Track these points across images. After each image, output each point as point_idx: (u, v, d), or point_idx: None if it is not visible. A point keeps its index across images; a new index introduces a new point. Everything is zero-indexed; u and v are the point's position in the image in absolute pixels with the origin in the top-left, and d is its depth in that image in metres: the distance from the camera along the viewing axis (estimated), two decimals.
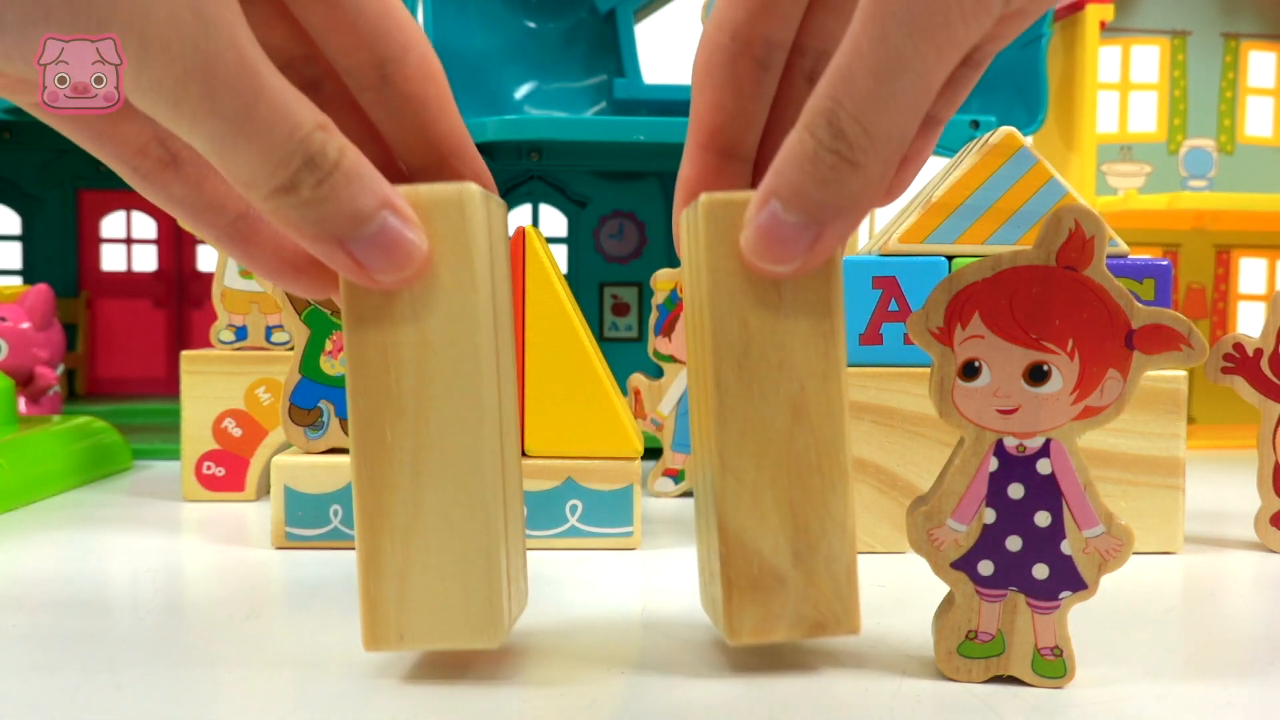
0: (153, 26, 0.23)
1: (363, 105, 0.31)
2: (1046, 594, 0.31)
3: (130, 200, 0.91)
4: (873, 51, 0.25)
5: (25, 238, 0.90)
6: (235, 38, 0.25)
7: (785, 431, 0.30)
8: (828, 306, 0.30)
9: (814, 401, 0.30)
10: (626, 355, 0.85)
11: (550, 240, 0.85)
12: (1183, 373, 0.47)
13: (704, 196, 0.30)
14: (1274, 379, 0.49)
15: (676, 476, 0.62)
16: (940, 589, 0.33)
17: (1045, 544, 0.31)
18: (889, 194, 0.30)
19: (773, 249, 0.28)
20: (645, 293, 0.87)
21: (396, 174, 0.32)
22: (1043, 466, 0.31)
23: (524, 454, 0.48)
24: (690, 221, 0.31)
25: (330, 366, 0.49)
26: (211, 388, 0.59)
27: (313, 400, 0.49)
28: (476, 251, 0.29)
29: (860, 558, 0.47)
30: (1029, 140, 0.72)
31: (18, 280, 0.90)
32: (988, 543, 0.31)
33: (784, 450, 0.31)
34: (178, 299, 0.92)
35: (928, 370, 0.31)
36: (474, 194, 0.30)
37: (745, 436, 0.30)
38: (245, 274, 0.59)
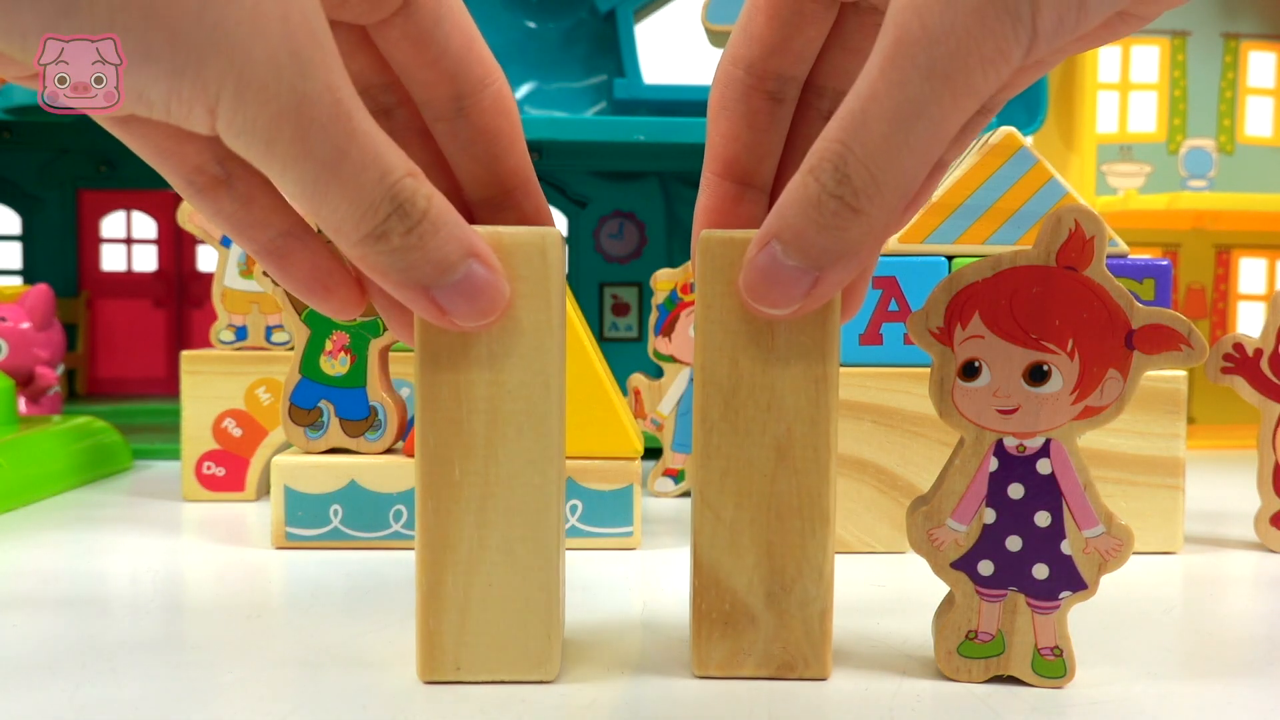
0: (250, 68, 0.23)
1: (434, 134, 0.32)
2: (1046, 594, 0.31)
3: (130, 200, 0.91)
4: (889, 95, 0.24)
5: (25, 238, 0.90)
6: (331, 80, 0.25)
7: (768, 473, 0.31)
8: (822, 352, 0.30)
9: (800, 445, 0.31)
10: (626, 355, 0.85)
11: None
12: (1183, 373, 0.47)
13: (704, 233, 0.30)
14: (1274, 379, 0.49)
15: (676, 476, 0.62)
16: (940, 589, 0.33)
17: (1045, 544, 0.31)
18: (888, 232, 0.30)
19: (770, 291, 0.28)
20: (645, 293, 0.87)
21: (460, 204, 0.33)
22: (1043, 466, 0.31)
23: None
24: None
25: (330, 366, 0.49)
26: (211, 388, 0.59)
27: (313, 400, 0.49)
28: (555, 296, 0.30)
29: (860, 558, 0.47)
30: (1029, 140, 0.72)
31: (18, 280, 0.90)
32: (988, 543, 0.31)
33: (766, 491, 0.31)
34: (178, 299, 0.92)
35: (928, 370, 0.31)
36: (556, 240, 0.30)
37: (728, 474, 0.31)
38: (245, 274, 0.59)
